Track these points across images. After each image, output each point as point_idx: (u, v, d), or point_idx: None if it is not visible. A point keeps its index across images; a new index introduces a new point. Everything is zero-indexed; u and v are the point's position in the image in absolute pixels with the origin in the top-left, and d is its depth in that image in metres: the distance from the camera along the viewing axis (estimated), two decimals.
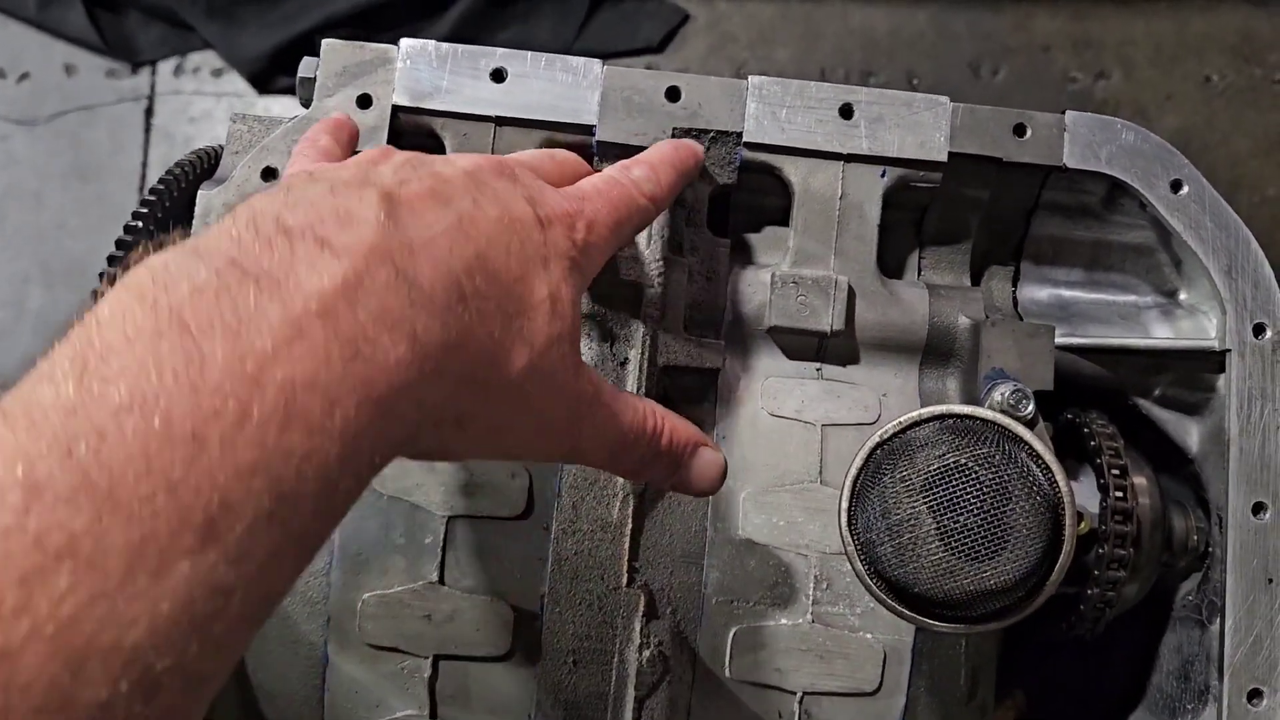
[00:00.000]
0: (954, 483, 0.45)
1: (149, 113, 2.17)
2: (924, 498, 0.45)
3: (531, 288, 0.42)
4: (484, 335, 0.40)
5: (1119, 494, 0.60)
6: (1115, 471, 0.61)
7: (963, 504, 0.45)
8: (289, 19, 1.93)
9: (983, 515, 0.45)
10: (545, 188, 0.47)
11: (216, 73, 2.09)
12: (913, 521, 0.45)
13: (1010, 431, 0.47)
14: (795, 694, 0.58)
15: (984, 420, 0.47)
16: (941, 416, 0.48)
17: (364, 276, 0.36)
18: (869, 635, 0.58)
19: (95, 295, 0.34)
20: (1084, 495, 0.62)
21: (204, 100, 2.10)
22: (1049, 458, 0.46)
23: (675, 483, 0.50)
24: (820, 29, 1.97)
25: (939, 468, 0.46)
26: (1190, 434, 0.65)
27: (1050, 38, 1.99)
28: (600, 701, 0.58)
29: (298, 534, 0.33)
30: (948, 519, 0.45)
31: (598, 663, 0.58)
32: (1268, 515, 0.59)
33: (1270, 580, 0.58)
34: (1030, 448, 0.46)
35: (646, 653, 0.57)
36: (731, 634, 0.58)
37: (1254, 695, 0.58)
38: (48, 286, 2.08)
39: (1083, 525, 0.61)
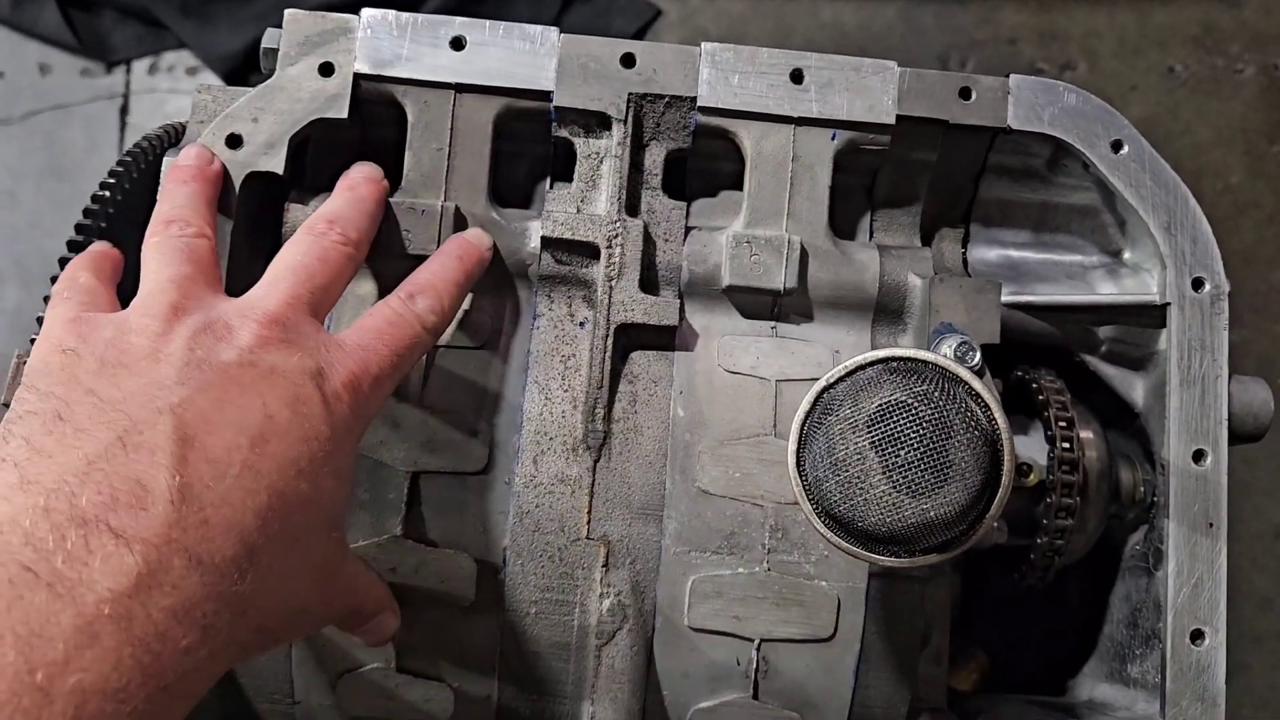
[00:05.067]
0: (895, 419, 0.47)
1: (124, 111, 2.17)
2: (867, 433, 0.47)
3: (317, 502, 0.45)
4: (270, 585, 0.43)
5: (1065, 445, 0.62)
6: (1062, 424, 0.63)
7: (904, 439, 0.47)
8: (262, 17, 1.94)
9: (924, 450, 0.46)
10: (330, 348, 0.49)
11: (191, 71, 2.10)
12: (857, 458, 0.47)
13: (950, 372, 0.48)
14: (753, 641, 0.59)
15: (925, 362, 0.49)
16: (885, 360, 0.49)
17: (157, 569, 0.38)
18: (824, 583, 0.59)
19: None
20: (1033, 449, 0.64)
21: (179, 98, 2.10)
22: (987, 396, 0.48)
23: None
24: (791, 23, 2.00)
25: (881, 405, 0.47)
26: (1136, 389, 0.67)
27: (1016, 30, 2.03)
28: (563, 651, 0.60)
29: None
30: (890, 454, 0.47)
31: (559, 613, 0.59)
32: (1208, 462, 0.61)
33: (1211, 525, 0.60)
34: (969, 387, 0.48)
35: (606, 602, 0.59)
36: (690, 583, 0.59)
37: (1196, 636, 0.60)
38: (24, 285, 2.08)
39: (1031, 477, 0.63)
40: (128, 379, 0.43)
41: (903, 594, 0.60)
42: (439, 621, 0.59)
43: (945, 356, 0.59)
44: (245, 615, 0.41)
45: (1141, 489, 0.65)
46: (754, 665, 0.60)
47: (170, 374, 0.43)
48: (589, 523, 0.59)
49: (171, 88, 2.13)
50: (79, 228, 0.64)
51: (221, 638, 0.40)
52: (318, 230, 0.55)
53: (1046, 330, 0.66)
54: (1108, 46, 2.07)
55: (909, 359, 0.49)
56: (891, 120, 0.62)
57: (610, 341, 0.60)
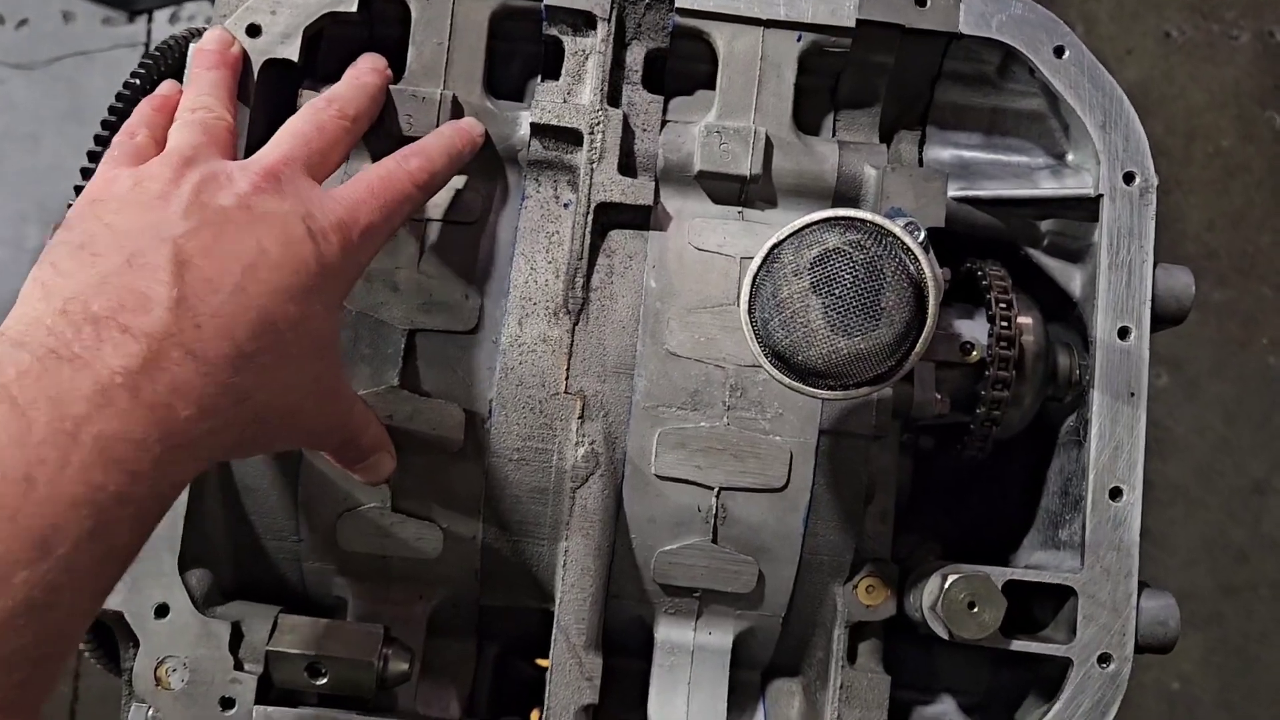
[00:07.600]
0: (832, 263, 0.53)
1: None
2: (809, 275, 0.53)
3: (306, 324, 0.52)
4: (264, 385, 0.50)
5: (1004, 323, 0.68)
6: (1002, 305, 0.69)
7: (839, 279, 0.53)
8: None
9: (856, 289, 0.52)
10: (322, 200, 0.55)
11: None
12: (798, 296, 0.53)
13: (883, 228, 0.54)
14: (713, 489, 0.66)
15: (863, 219, 0.55)
16: (828, 219, 0.55)
17: (158, 355, 0.46)
18: (778, 438, 0.66)
19: None
20: (977, 331, 0.70)
21: None
22: (916, 248, 0.54)
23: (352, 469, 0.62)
24: None
25: (820, 251, 0.53)
26: (1074, 280, 0.72)
27: None
28: (542, 495, 0.66)
29: (117, 547, 0.45)
30: (826, 293, 0.53)
31: (539, 460, 0.66)
32: (1132, 338, 0.67)
33: (1132, 394, 0.66)
34: (900, 240, 0.54)
35: (581, 450, 0.65)
36: (657, 434, 0.65)
37: (1115, 493, 0.66)
38: (45, 225, 2.15)
39: (974, 354, 0.69)
40: (140, 215, 0.50)
41: (848, 450, 0.66)
42: (430, 466, 0.66)
43: None
44: (244, 404, 0.49)
45: (1077, 372, 0.71)
46: (714, 512, 0.66)
47: (176, 212, 0.51)
48: (567, 379, 0.66)
49: None
50: (112, 110, 0.70)
51: (222, 418, 0.48)
52: (318, 106, 0.61)
53: (992, 223, 0.72)
54: (1105, 10, 2.11)
55: (849, 218, 0.55)
56: (851, 24, 0.68)
57: (590, 218, 0.66)
